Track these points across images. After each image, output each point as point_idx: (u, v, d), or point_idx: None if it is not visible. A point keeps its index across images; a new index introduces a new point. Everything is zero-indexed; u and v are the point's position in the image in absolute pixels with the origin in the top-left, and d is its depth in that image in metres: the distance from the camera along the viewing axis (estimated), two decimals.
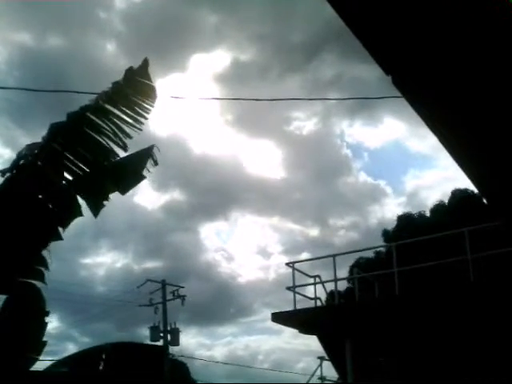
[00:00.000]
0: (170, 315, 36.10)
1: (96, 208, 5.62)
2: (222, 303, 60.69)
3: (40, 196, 5.59)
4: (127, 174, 5.75)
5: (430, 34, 2.71)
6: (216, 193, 59.24)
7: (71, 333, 49.12)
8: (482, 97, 3.16)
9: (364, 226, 54.74)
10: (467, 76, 2.99)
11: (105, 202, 5.66)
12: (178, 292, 36.40)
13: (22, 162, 5.62)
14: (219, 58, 72.38)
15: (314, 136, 60.99)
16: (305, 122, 69.42)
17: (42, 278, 5.56)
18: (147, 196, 74.57)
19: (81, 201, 5.60)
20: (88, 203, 5.60)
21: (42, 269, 5.55)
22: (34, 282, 5.57)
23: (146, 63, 6.05)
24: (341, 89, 50.86)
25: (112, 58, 51.13)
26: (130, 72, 5.94)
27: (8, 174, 5.61)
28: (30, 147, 5.71)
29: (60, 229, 5.59)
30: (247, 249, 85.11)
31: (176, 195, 67.24)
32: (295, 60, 49.31)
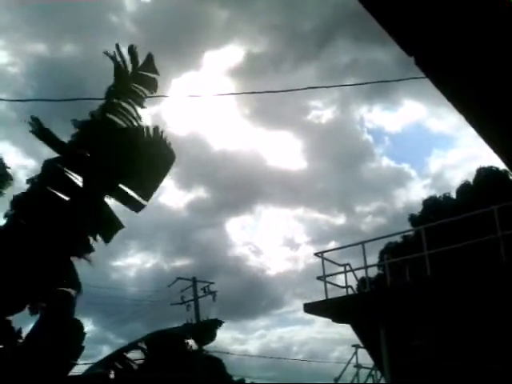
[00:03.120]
0: (202, 312, 36.29)
1: (138, 206, 5.68)
2: (253, 297, 60.88)
3: (71, 206, 5.64)
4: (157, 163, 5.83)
5: (453, 10, 2.68)
6: (239, 187, 59.32)
7: (106, 335, 49.60)
8: (509, 71, 3.13)
9: (390, 210, 54.45)
10: (493, 51, 2.96)
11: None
12: (208, 288, 36.58)
13: (49, 168, 5.67)
14: (232, 53, 72.39)
15: (333, 124, 60.69)
16: (323, 111, 69.13)
17: (77, 286, 5.64)
18: (172, 195, 74.99)
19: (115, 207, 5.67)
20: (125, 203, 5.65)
21: (77, 278, 5.63)
22: (69, 290, 5.65)
23: (148, 57, 6.13)
24: (357, 73, 50.51)
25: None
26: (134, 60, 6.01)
27: (33, 182, 5.66)
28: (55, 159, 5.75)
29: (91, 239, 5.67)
30: (274, 241, 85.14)
31: (200, 193, 67.51)
32: (308, 48, 49.11)
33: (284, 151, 77.62)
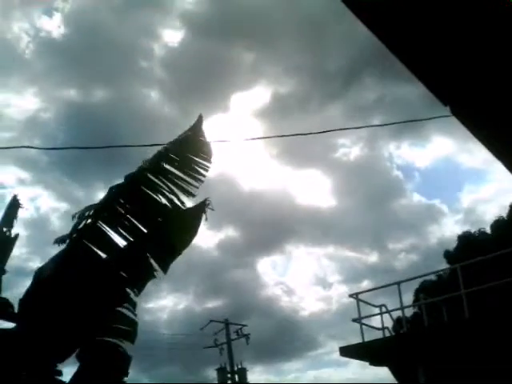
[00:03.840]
0: (235, 355, 35.96)
1: (165, 265, 5.68)
2: (286, 338, 60.03)
3: (106, 258, 5.68)
4: (187, 226, 5.80)
5: (490, 62, 2.67)
6: (269, 226, 59.15)
7: (140, 379, 49.29)
8: None
9: (424, 247, 53.64)
10: None
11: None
12: (241, 331, 36.30)
13: (82, 224, 5.72)
14: (259, 94, 72.98)
15: (361, 161, 60.47)
16: (351, 148, 68.98)
17: (126, 335, 5.65)
18: (202, 235, 74.79)
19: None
20: (156, 261, 5.66)
21: (122, 326, 5.64)
22: (115, 340, 5.66)
23: (200, 120, 6.13)
24: (384, 111, 50.48)
25: (156, 106, 52.19)
26: (185, 132, 6.04)
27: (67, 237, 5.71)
28: (89, 208, 5.81)
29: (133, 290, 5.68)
30: (306, 281, 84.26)
31: (230, 232, 67.44)
32: (334, 87, 49.35)
33: (313, 189, 77.45)
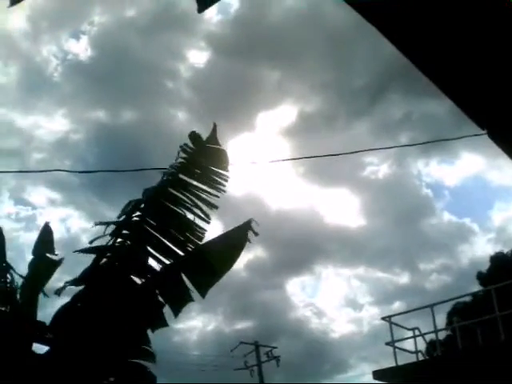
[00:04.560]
0: (265, 377, 35.66)
1: (203, 289, 5.64)
2: (316, 360, 59.40)
3: (138, 279, 5.67)
4: (229, 249, 5.76)
5: None
6: (298, 247, 58.91)
7: None
8: None
9: (456, 267, 52.88)
10: None
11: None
12: (271, 353, 36.01)
13: (110, 242, 5.73)
14: (285, 112, 73.12)
15: (390, 179, 60.04)
16: (379, 166, 68.63)
17: (151, 357, 5.62)
18: None
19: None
20: (194, 285, 5.63)
21: (150, 348, 5.61)
22: (142, 362, 5.63)
23: (214, 129, 6.14)
24: (411, 127, 50.14)
25: (184, 126, 52.63)
26: (199, 139, 6.03)
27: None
28: (114, 226, 5.79)
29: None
30: (336, 302, 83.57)
31: (259, 253, 67.17)
32: (361, 104, 49.19)
33: (341, 209, 77.03)
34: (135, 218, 5.79)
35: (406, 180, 62.08)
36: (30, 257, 6.67)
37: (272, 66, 49.26)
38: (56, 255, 6.21)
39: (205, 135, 6.11)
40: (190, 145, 6.01)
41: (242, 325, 64.75)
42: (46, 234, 6.37)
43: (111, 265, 5.70)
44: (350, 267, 72.76)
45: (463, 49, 2.68)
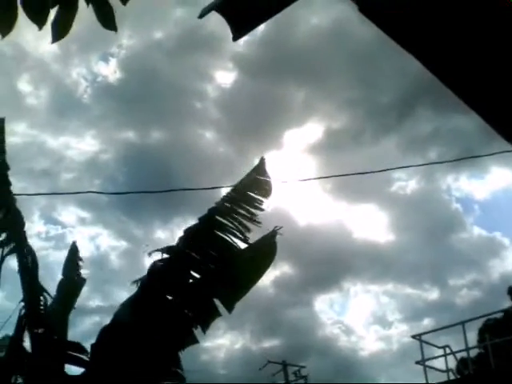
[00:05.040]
0: None
1: (230, 304, 5.71)
2: (345, 379, 58.67)
3: (175, 300, 5.75)
4: (255, 263, 5.86)
5: None
6: (326, 263, 58.48)
7: None
8: None
9: (486, 282, 51.99)
10: None
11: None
12: (299, 372, 35.66)
13: (156, 267, 5.85)
14: (312, 130, 73.14)
15: (419, 194, 59.44)
16: (407, 181, 68.00)
17: (181, 380, 5.66)
18: None
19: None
20: (221, 300, 5.70)
21: (179, 371, 5.65)
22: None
23: (262, 161, 6.32)
24: (440, 142, 49.70)
25: (211, 145, 52.98)
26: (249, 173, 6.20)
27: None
28: (164, 251, 5.96)
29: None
30: (365, 319, 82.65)
31: (286, 269, 66.95)
32: (388, 120, 49.02)
33: (370, 224, 76.55)
34: (186, 245, 6.00)
35: (435, 195, 61.47)
36: (59, 276, 6.78)
37: (298, 85, 49.46)
38: (79, 275, 6.30)
39: (231, 154, 6.37)
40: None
41: (270, 343, 64.26)
42: (72, 253, 6.48)
43: (151, 286, 5.82)
44: (379, 283, 72.10)
45: (490, 64, 2.65)
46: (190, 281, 5.92)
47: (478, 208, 67.83)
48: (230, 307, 5.77)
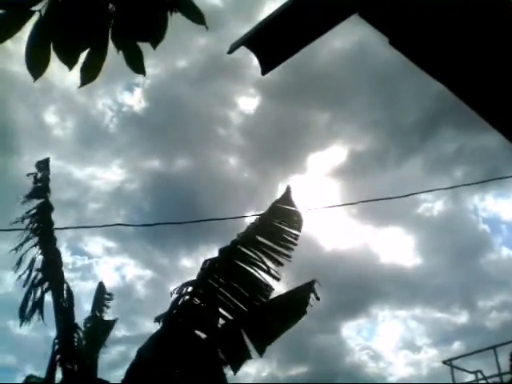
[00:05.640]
0: None
1: (262, 347, 5.63)
2: None
3: (203, 336, 5.70)
4: (290, 310, 5.77)
5: None
6: (352, 288, 57.88)
7: None
8: None
9: None
10: None
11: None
12: None
13: (180, 301, 5.80)
14: (335, 153, 72.95)
15: (445, 215, 58.75)
16: (433, 203, 67.30)
17: None
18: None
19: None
20: (252, 343, 5.63)
21: None
22: None
23: (288, 190, 6.23)
24: (465, 161, 49.24)
25: (236, 171, 53.16)
26: (275, 202, 6.12)
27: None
28: (186, 285, 5.91)
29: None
30: (393, 344, 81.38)
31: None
32: (412, 140, 48.73)
33: (397, 248, 75.73)
34: (208, 278, 5.91)
35: (462, 216, 60.77)
36: (86, 306, 6.89)
37: (321, 108, 49.59)
38: (102, 312, 6.35)
39: (256, 179, 6.30)
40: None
41: (297, 370, 63.41)
42: (100, 293, 6.56)
43: (179, 325, 5.78)
44: (407, 308, 70.97)
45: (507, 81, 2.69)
46: (221, 319, 5.84)
47: (505, 228, 66.89)
48: (261, 350, 5.72)
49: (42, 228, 7.39)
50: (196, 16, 2.68)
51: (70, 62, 2.63)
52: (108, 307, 6.88)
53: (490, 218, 68.42)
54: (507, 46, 2.52)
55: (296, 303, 5.77)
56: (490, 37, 2.49)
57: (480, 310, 58.08)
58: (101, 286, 7.00)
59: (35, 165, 8.87)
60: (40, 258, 7.12)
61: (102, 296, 6.91)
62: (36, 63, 2.60)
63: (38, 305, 6.65)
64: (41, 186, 8.29)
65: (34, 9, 2.51)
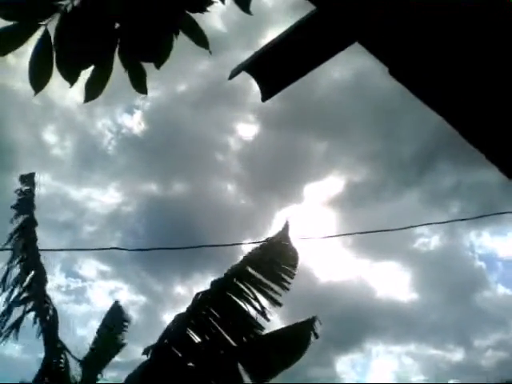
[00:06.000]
0: None
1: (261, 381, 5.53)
2: None
3: (194, 367, 5.63)
4: (290, 347, 5.67)
5: None
6: (347, 322, 57.43)
7: None
8: None
9: None
10: None
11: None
12: None
13: (171, 331, 5.75)
14: (332, 183, 73.11)
15: (442, 251, 58.62)
16: (430, 238, 67.18)
17: None
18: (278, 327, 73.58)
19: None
20: (251, 378, 5.54)
21: None
22: None
23: (286, 226, 6.20)
24: (461, 197, 49.34)
25: (233, 198, 53.19)
26: (271, 237, 6.09)
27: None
28: (178, 318, 5.84)
29: None
30: (387, 380, 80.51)
31: None
32: (409, 173, 48.88)
33: (392, 282, 75.43)
34: (201, 310, 5.82)
35: (458, 252, 60.62)
36: (78, 329, 6.85)
37: (319, 137, 49.87)
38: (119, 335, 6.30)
39: (252, 206, 6.26)
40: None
41: None
42: (115, 312, 6.48)
43: (169, 353, 5.69)
44: (401, 344, 70.19)
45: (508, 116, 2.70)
46: (213, 351, 5.73)
47: (501, 266, 66.68)
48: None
49: (26, 244, 7.34)
50: (201, 39, 2.71)
51: (71, 78, 2.64)
52: (125, 330, 6.77)
53: (486, 255, 68.30)
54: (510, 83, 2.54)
55: (297, 340, 5.66)
56: (495, 71, 2.50)
57: (475, 347, 57.43)
58: (117, 307, 6.87)
59: (19, 178, 8.80)
60: (23, 275, 7.07)
61: (117, 316, 6.79)
62: (38, 77, 2.61)
63: (16, 324, 6.58)
64: (25, 201, 8.22)
65: (42, 23, 2.53)
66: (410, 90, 2.63)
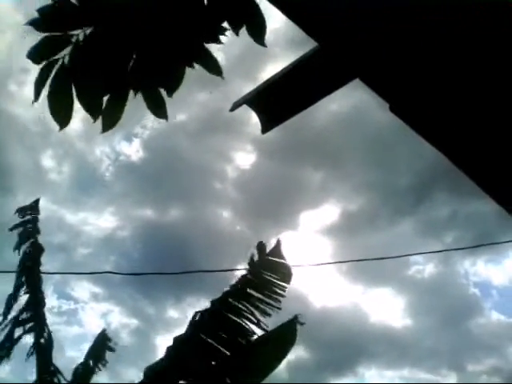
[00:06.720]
0: None
1: None
2: None
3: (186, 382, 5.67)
4: (271, 351, 5.72)
5: None
6: (340, 347, 57.00)
7: None
8: None
9: (507, 369, 50.21)
10: None
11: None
12: None
13: (169, 355, 5.79)
14: (327, 212, 73.02)
15: (436, 278, 58.31)
16: (424, 265, 66.94)
17: None
18: None
19: None
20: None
21: None
22: None
23: (278, 244, 6.29)
24: (457, 226, 49.36)
25: (228, 225, 53.12)
26: (264, 251, 6.15)
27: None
28: (176, 340, 5.90)
29: None
30: None
31: (300, 352, 65.33)
32: (405, 203, 48.93)
33: (386, 308, 75.06)
34: (197, 330, 5.90)
35: (453, 279, 60.36)
36: (69, 351, 6.94)
37: (315, 167, 49.94)
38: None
39: (248, 233, 6.37)
40: (256, 256, 6.19)
41: None
42: (101, 341, 6.52)
43: (163, 372, 5.75)
44: (394, 369, 69.56)
45: (505, 150, 2.75)
46: (206, 367, 5.78)
47: (496, 293, 66.40)
48: None
49: (30, 269, 7.40)
50: (214, 67, 2.71)
51: (94, 111, 2.62)
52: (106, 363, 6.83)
53: (480, 282, 68.03)
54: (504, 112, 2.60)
55: (280, 342, 5.73)
56: (494, 109, 2.56)
57: (469, 373, 56.80)
58: (102, 335, 6.96)
59: (22, 208, 8.85)
60: (25, 297, 7.13)
61: (101, 347, 6.88)
62: (62, 112, 2.59)
63: (12, 344, 6.62)
64: (30, 227, 8.29)
65: (55, 57, 2.52)
66: (409, 126, 2.70)
